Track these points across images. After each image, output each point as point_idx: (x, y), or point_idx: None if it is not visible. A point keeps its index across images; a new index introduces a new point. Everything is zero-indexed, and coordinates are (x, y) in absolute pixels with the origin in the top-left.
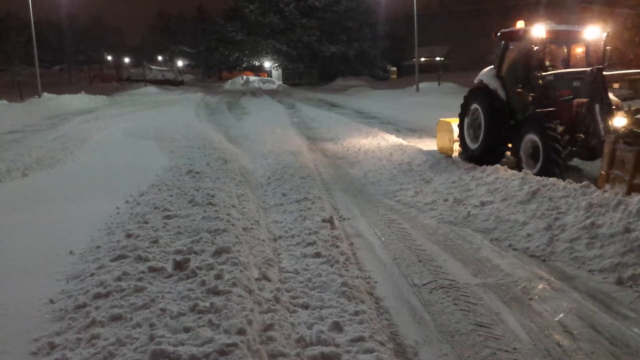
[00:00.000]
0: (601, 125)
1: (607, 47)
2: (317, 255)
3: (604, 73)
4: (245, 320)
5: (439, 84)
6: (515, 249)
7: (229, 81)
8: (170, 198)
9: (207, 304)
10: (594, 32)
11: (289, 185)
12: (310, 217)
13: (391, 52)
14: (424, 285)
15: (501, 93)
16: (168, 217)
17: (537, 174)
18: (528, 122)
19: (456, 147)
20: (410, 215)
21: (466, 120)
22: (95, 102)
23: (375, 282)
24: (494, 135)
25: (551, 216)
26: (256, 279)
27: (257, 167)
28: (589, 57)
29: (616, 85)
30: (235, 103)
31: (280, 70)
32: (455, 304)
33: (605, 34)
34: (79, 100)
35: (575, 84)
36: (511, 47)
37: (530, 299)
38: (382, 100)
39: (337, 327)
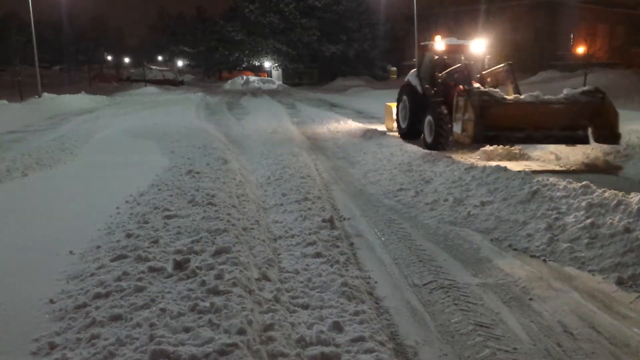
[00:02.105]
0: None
1: (487, 56)
2: (317, 255)
3: (481, 68)
4: (245, 320)
5: None
6: (515, 249)
7: (229, 81)
8: (171, 198)
9: (207, 304)
10: (479, 44)
11: (289, 185)
12: (311, 217)
13: (391, 52)
14: (424, 285)
15: (419, 88)
16: (168, 217)
17: (431, 143)
18: (428, 108)
19: (395, 125)
20: (410, 215)
21: (400, 107)
22: (95, 102)
23: (376, 282)
24: (414, 118)
25: (551, 216)
26: (256, 279)
27: (257, 167)
28: (476, 62)
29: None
30: (235, 103)
31: (280, 70)
32: (455, 304)
33: (485, 45)
34: (79, 100)
35: (456, 76)
36: (425, 55)
37: (530, 299)
38: (382, 100)
39: (337, 327)
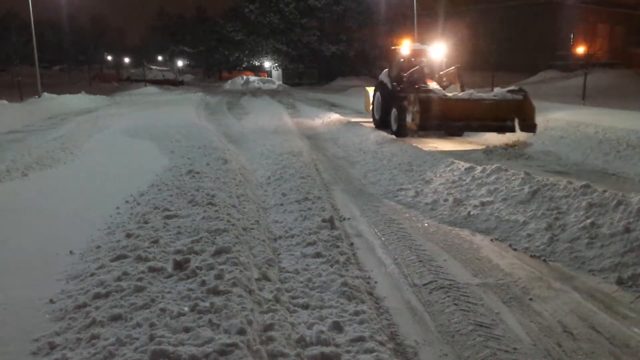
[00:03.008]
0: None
1: (445, 58)
2: (318, 255)
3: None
4: (245, 320)
5: None
6: (515, 249)
7: (229, 81)
8: (171, 198)
9: (207, 304)
10: (438, 48)
11: (289, 185)
12: (311, 217)
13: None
14: (424, 285)
15: (389, 86)
16: (168, 217)
17: (396, 131)
18: (393, 102)
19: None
20: (411, 215)
21: (374, 102)
22: (95, 102)
23: (376, 282)
24: (385, 111)
25: (551, 216)
26: (256, 279)
27: (257, 167)
28: (436, 63)
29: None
30: (235, 103)
31: (280, 70)
32: (455, 304)
33: (444, 48)
34: (79, 100)
35: (415, 76)
36: (394, 58)
37: (530, 299)
38: None
39: (337, 327)
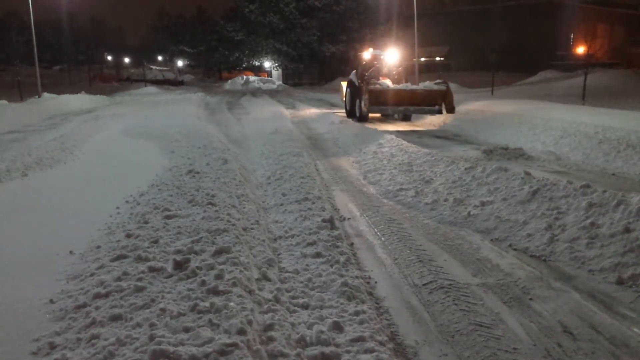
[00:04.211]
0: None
1: (400, 66)
2: (318, 255)
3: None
4: (246, 320)
5: None
6: (515, 249)
7: (229, 81)
8: (171, 198)
9: (207, 304)
10: (392, 54)
11: (289, 185)
12: (311, 217)
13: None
14: (424, 285)
15: (356, 83)
16: (168, 217)
17: (359, 117)
18: (358, 95)
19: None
20: (411, 215)
21: (346, 96)
22: (95, 102)
23: (376, 282)
24: (352, 102)
25: (551, 216)
26: (256, 279)
27: (257, 167)
28: (392, 64)
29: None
30: (235, 103)
31: (280, 70)
32: (456, 304)
33: (397, 53)
34: (79, 100)
35: (372, 75)
36: (360, 61)
37: (530, 299)
38: None
39: (337, 327)
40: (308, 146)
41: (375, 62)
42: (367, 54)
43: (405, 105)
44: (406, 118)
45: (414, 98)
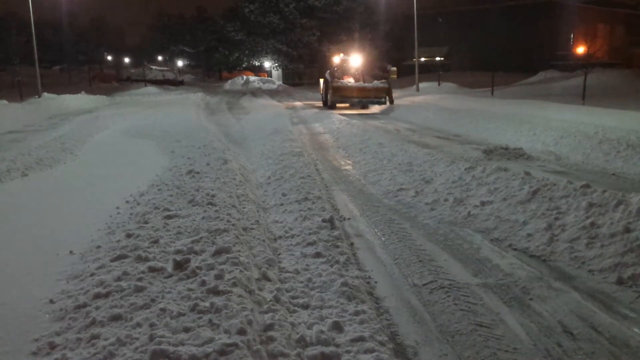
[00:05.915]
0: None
1: (363, 68)
2: (318, 255)
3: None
4: (246, 320)
5: (439, 84)
6: (515, 249)
7: (229, 81)
8: (171, 198)
9: (207, 304)
10: (355, 58)
11: (289, 185)
12: (311, 217)
13: (391, 52)
14: (424, 285)
15: (329, 80)
16: (168, 217)
17: (329, 106)
18: (327, 90)
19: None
20: (411, 215)
21: (323, 90)
22: (95, 102)
23: (376, 282)
24: (326, 95)
25: (551, 216)
26: (256, 279)
27: (257, 167)
28: (360, 68)
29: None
30: (235, 103)
31: (280, 70)
32: (456, 304)
33: (360, 57)
34: (79, 100)
35: (340, 74)
36: (331, 63)
37: (530, 299)
38: None
39: (337, 327)
40: (308, 144)
41: (344, 64)
42: (337, 58)
43: (360, 97)
44: (364, 107)
45: (366, 92)
